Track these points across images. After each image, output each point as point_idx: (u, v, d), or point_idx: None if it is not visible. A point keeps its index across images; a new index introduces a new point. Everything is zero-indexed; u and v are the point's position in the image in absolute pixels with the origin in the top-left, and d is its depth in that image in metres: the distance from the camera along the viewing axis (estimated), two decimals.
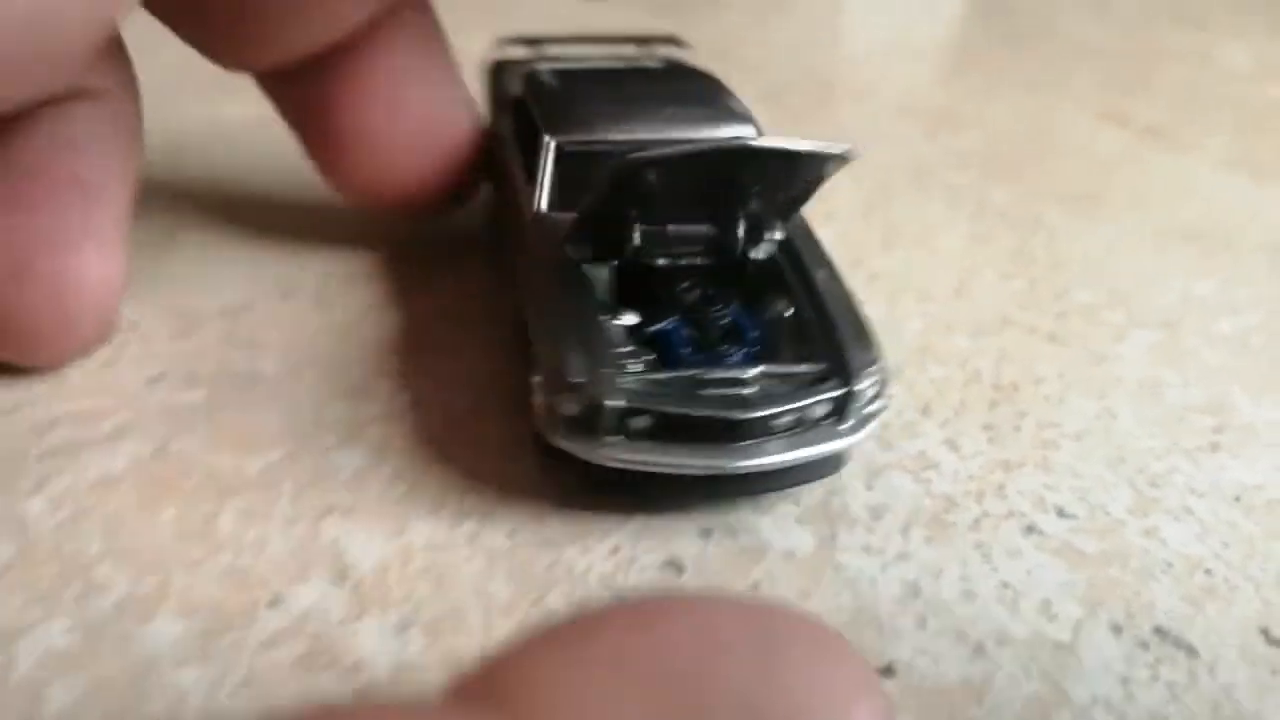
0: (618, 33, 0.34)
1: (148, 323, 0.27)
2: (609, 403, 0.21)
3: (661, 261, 0.24)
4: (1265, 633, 0.21)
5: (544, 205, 0.25)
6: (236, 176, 0.34)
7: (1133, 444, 0.25)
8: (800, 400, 0.21)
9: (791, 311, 0.24)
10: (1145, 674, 0.20)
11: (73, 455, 0.23)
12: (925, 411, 0.26)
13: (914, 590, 0.21)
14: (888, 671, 0.19)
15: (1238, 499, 0.24)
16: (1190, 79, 0.49)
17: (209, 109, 0.38)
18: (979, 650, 0.20)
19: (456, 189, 0.29)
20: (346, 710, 0.10)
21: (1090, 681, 0.19)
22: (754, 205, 0.24)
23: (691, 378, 0.22)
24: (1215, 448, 0.25)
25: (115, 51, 0.25)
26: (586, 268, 0.24)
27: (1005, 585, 0.21)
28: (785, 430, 0.21)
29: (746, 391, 0.21)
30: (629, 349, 0.23)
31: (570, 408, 0.21)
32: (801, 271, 0.24)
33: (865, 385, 0.22)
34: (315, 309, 0.28)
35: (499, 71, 0.32)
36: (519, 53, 0.33)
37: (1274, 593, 0.22)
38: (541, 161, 0.26)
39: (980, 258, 0.32)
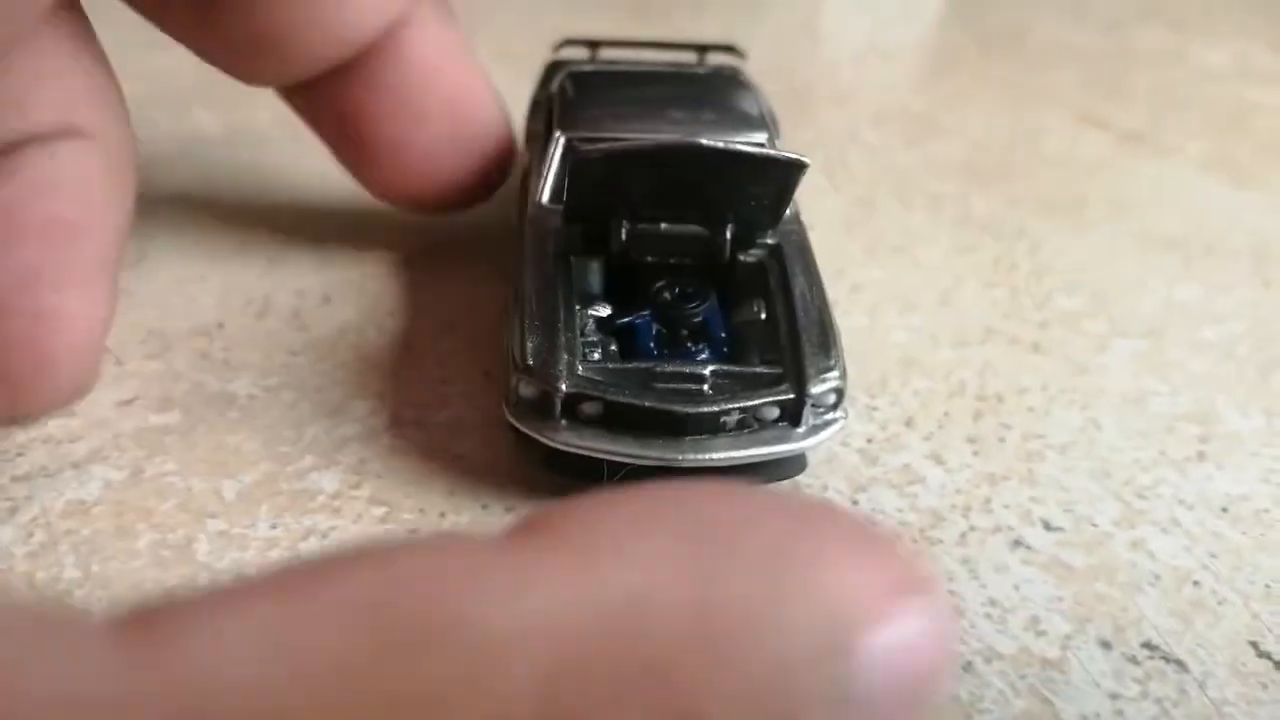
0: (677, 39, 0.34)
1: (118, 344, 0.26)
2: (560, 387, 0.21)
3: (650, 259, 0.25)
4: (1255, 646, 0.21)
5: (545, 198, 0.26)
6: (207, 191, 0.34)
7: (1118, 455, 0.25)
8: (750, 400, 0.22)
9: (764, 315, 0.24)
10: (1135, 690, 0.20)
11: (45, 481, 0.22)
12: (909, 424, 0.26)
13: None
14: None
15: (1225, 510, 0.24)
16: (1168, 81, 0.49)
17: (179, 122, 0.37)
18: (968, 668, 0.20)
19: (489, 182, 0.30)
20: (408, 544, 0.11)
21: (1079, 698, 0.19)
22: (740, 210, 0.24)
23: (647, 370, 0.22)
24: (1201, 457, 0.25)
25: (105, 87, 0.24)
26: (581, 261, 0.25)
27: (993, 601, 0.21)
28: (735, 429, 0.22)
29: (698, 387, 0.22)
30: (595, 339, 0.24)
31: (526, 390, 0.22)
32: (784, 278, 0.24)
33: (818, 391, 0.22)
34: (290, 328, 0.28)
35: (551, 71, 0.33)
36: (577, 54, 0.34)
37: (1263, 605, 0.21)
38: (548, 155, 0.27)
39: (963, 267, 0.32)
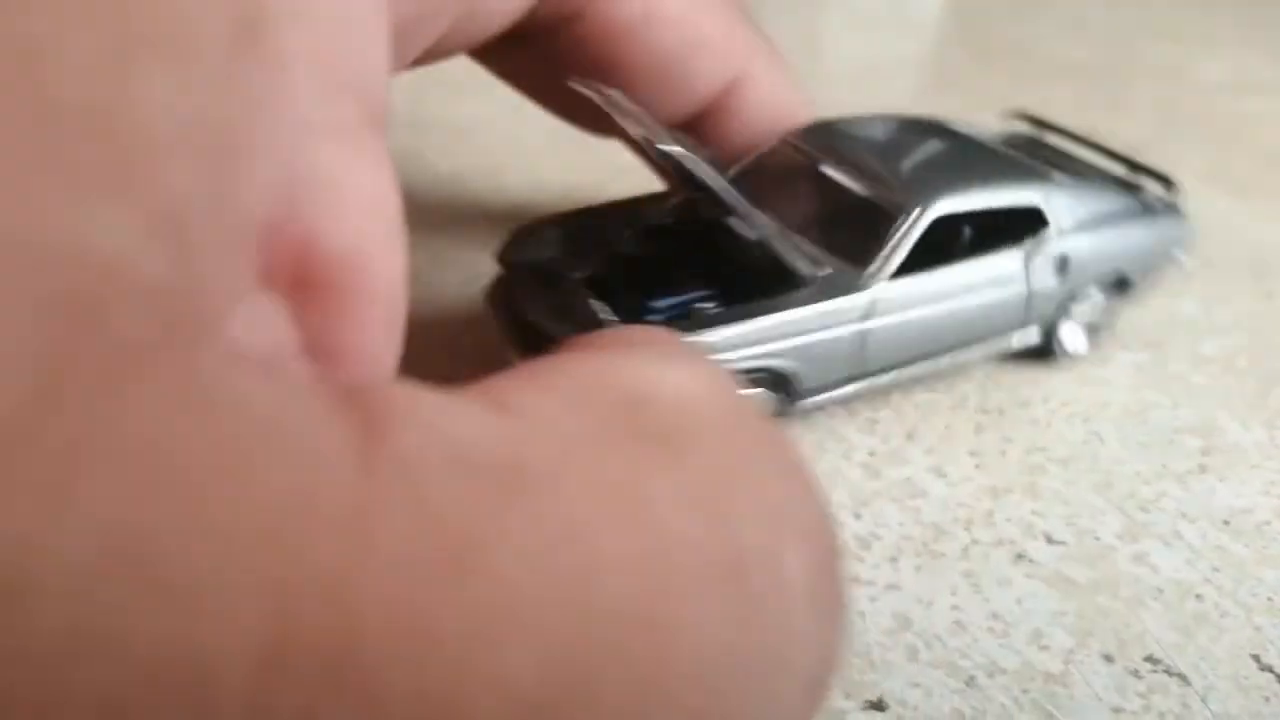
0: (1121, 150, 0.31)
1: None
2: (499, 267, 0.25)
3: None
4: (1257, 659, 0.21)
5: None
6: None
7: (1120, 468, 0.25)
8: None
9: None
10: (1138, 704, 0.20)
11: None
12: (911, 437, 0.26)
13: (904, 621, 0.21)
14: (879, 705, 0.19)
15: (1227, 523, 0.24)
16: (1167, 94, 0.49)
17: None
18: (971, 682, 0.20)
19: None
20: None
21: (1082, 713, 0.19)
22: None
23: (567, 295, 0.24)
24: (1203, 470, 0.25)
25: None
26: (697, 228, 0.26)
27: (995, 615, 0.21)
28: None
29: (585, 326, 0.22)
30: (586, 264, 0.25)
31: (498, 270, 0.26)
32: None
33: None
34: None
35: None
36: (1022, 127, 0.33)
37: (1265, 618, 0.21)
38: None
39: None
